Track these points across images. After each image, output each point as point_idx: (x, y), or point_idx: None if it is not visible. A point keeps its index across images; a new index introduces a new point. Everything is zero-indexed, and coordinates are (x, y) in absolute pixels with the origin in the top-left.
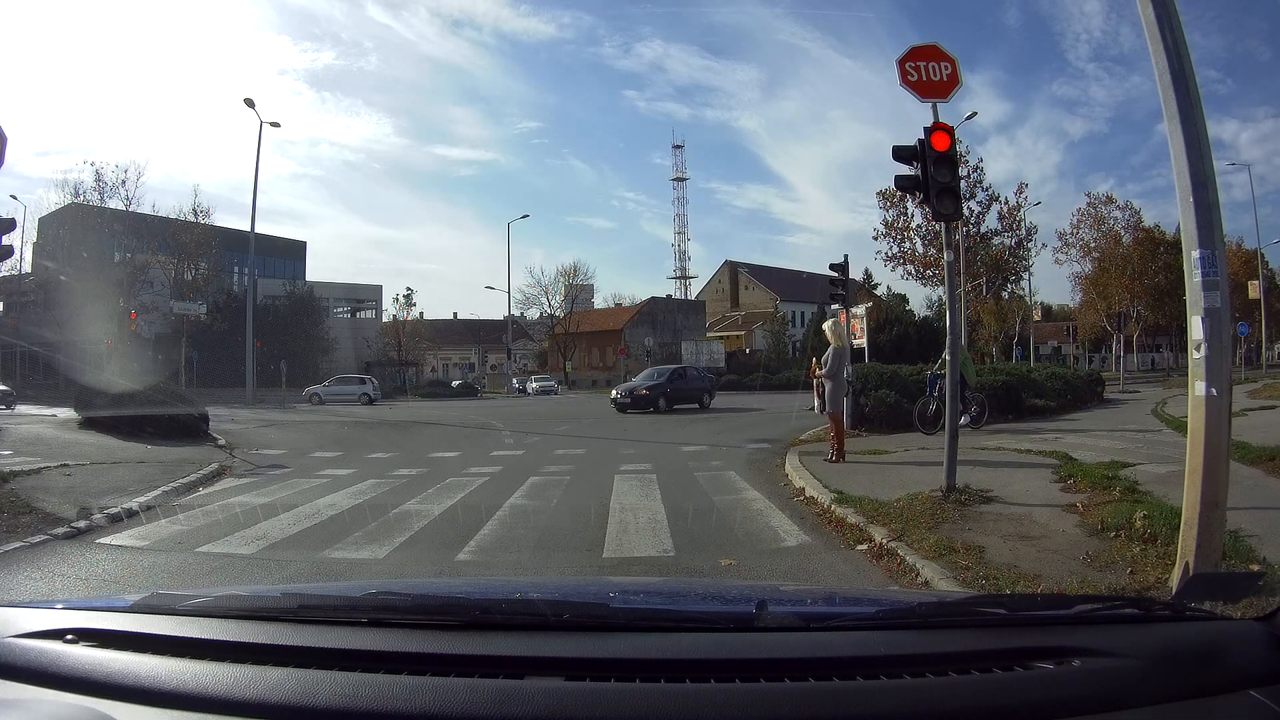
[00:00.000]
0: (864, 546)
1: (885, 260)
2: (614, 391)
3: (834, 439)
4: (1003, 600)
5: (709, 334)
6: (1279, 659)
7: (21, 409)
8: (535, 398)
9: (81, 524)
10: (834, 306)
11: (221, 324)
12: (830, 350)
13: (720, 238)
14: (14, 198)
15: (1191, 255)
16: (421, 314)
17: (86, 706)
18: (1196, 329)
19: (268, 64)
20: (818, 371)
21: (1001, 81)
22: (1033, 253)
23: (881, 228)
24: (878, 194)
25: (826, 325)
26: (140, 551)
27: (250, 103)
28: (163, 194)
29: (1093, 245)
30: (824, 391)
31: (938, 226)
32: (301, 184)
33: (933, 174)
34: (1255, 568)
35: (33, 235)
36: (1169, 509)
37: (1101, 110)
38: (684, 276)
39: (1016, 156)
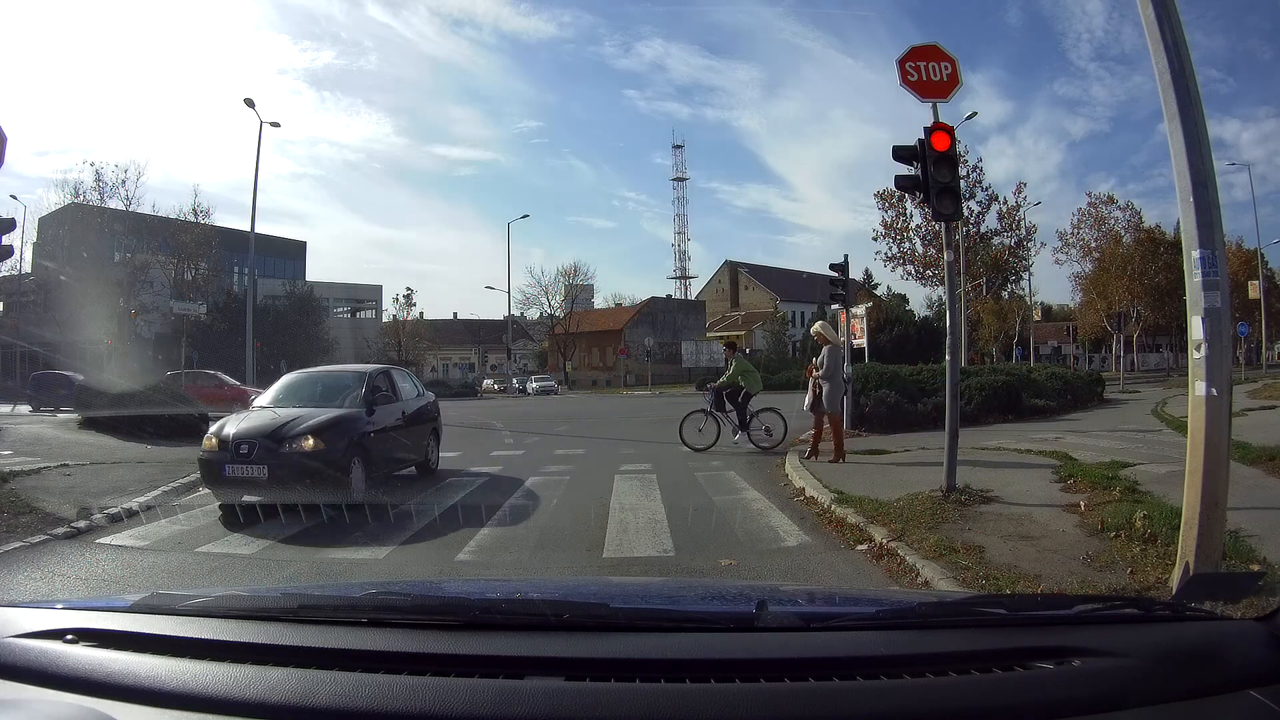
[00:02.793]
0: (864, 546)
1: (885, 261)
2: (211, 436)
3: (834, 439)
4: (1003, 600)
5: (709, 334)
6: (1279, 659)
7: (21, 408)
8: (535, 398)
9: (81, 524)
10: (834, 307)
11: (221, 324)
12: (825, 350)
13: (720, 238)
14: (14, 198)
15: (1192, 255)
16: (421, 314)
17: (86, 706)
18: (1197, 329)
19: (268, 63)
20: (815, 373)
21: (1002, 81)
22: (1032, 253)
23: (881, 228)
24: (876, 195)
25: (815, 327)
26: (140, 551)
27: (250, 102)
28: (163, 194)
29: (1093, 245)
30: (819, 390)
31: (938, 226)
32: (301, 184)
33: (933, 174)
34: (1255, 568)
35: (33, 235)
36: (1169, 509)
37: (1103, 110)
38: (684, 276)
39: (1017, 156)
